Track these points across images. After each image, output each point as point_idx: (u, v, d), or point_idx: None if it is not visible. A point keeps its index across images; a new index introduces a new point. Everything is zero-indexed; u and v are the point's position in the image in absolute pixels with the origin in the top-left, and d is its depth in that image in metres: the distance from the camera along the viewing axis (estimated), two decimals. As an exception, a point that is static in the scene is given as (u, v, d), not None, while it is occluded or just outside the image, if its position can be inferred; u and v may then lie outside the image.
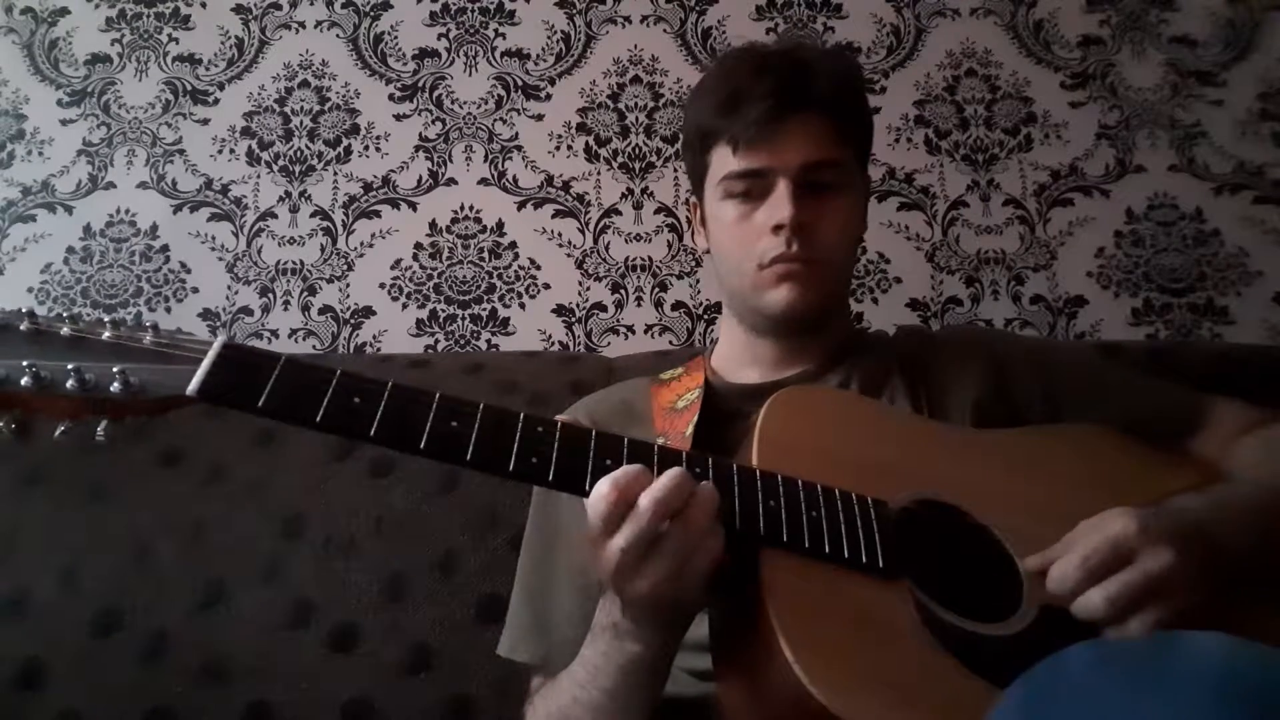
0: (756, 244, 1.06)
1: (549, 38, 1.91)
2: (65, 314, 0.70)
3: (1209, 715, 0.52)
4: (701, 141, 1.12)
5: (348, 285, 1.77)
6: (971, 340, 1.18)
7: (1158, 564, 0.77)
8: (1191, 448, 1.06)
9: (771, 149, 1.05)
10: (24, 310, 0.69)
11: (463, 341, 1.74)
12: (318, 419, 0.69)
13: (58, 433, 0.67)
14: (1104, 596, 0.76)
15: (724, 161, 1.08)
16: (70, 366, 0.66)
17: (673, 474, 0.73)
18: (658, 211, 1.81)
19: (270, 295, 1.77)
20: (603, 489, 0.72)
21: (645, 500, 0.72)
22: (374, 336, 1.74)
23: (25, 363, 0.65)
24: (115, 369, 0.67)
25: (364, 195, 1.82)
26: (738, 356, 1.16)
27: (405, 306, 1.76)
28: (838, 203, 1.08)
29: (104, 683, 1.25)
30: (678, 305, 1.76)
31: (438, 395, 0.73)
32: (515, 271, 1.78)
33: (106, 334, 0.69)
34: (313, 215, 1.81)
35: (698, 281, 1.77)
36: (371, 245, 1.79)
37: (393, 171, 1.83)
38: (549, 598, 1.06)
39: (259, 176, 1.84)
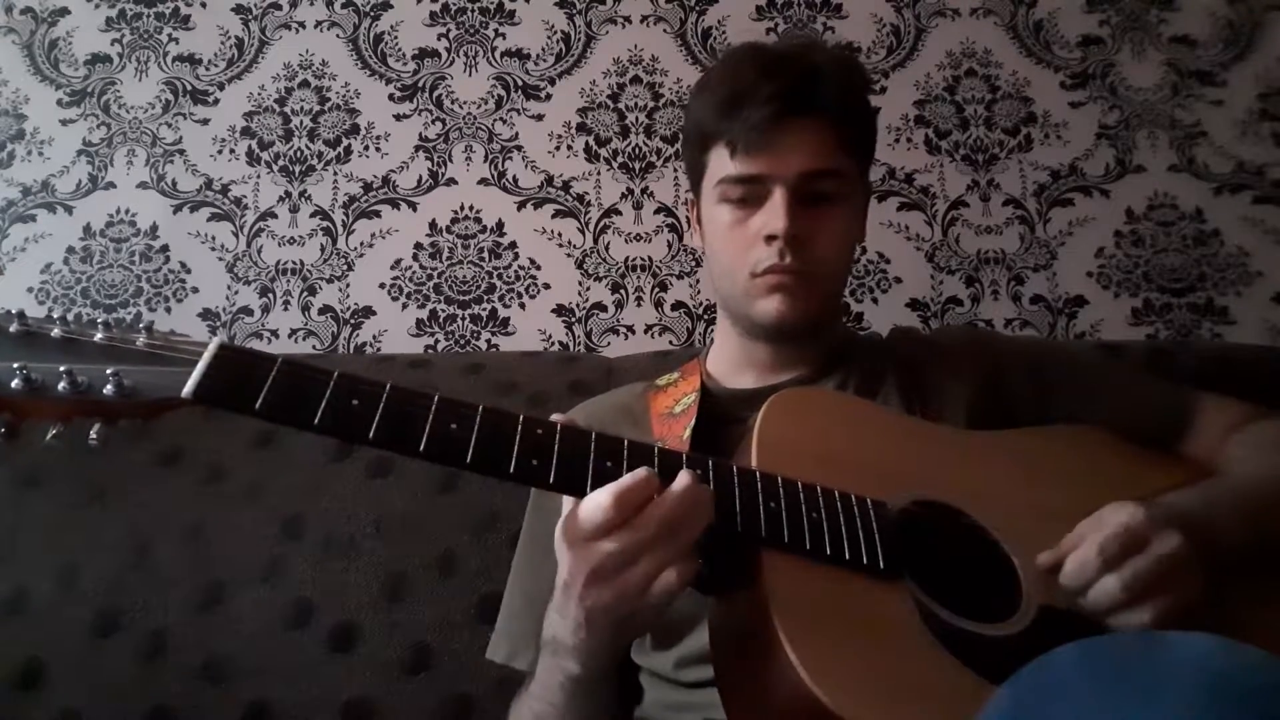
0: (750, 251, 1.05)
1: (549, 38, 1.91)
2: (58, 315, 0.69)
3: (1193, 716, 0.52)
4: (701, 140, 1.10)
5: (348, 285, 1.77)
6: (965, 341, 1.18)
7: (1169, 547, 0.78)
8: (1183, 446, 1.07)
9: (770, 155, 1.03)
10: (14, 311, 0.68)
11: (463, 341, 1.74)
12: (315, 422, 0.69)
13: (49, 436, 0.66)
14: (1119, 583, 0.77)
15: (721, 164, 1.06)
16: (62, 369, 0.65)
17: (684, 491, 0.72)
18: (658, 211, 1.81)
19: (270, 295, 1.77)
20: (602, 499, 0.71)
21: (655, 512, 0.71)
22: (374, 336, 1.74)
23: (15, 365, 0.65)
24: (109, 371, 0.66)
25: (364, 195, 1.82)
26: (733, 360, 1.16)
27: (405, 306, 1.76)
28: (835, 214, 1.07)
29: (104, 683, 1.25)
30: (678, 305, 1.76)
31: (436, 397, 0.72)
32: (515, 271, 1.78)
33: (99, 335, 0.69)
34: (313, 215, 1.81)
35: (697, 281, 1.77)
36: (371, 245, 1.79)
37: (393, 171, 1.83)
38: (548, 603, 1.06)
39: (259, 176, 1.84)
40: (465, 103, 1.87)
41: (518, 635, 1.05)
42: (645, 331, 1.74)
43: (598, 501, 0.71)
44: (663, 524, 0.71)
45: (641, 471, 0.73)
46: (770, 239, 1.03)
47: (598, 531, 0.71)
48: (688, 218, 1.71)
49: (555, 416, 0.77)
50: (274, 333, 1.75)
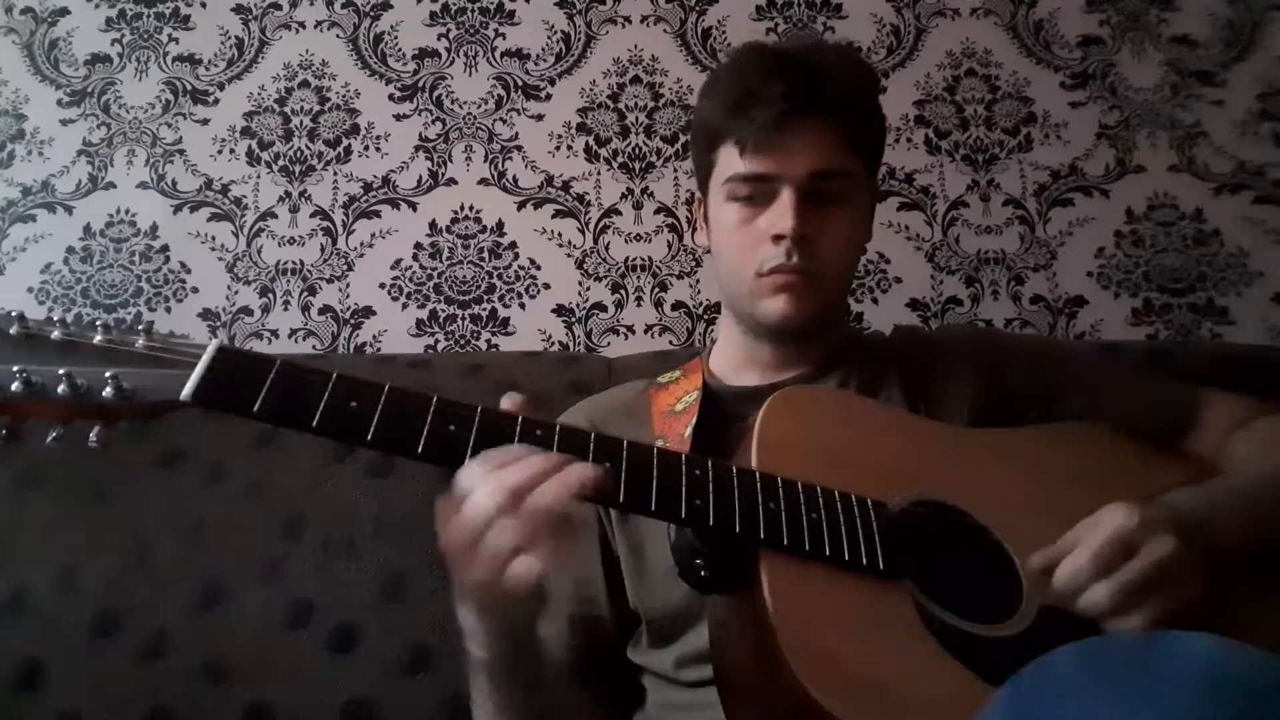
0: (756, 250, 1.05)
1: (549, 38, 1.91)
2: (58, 317, 0.69)
3: (1193, 716, 0.52)
4: (709, 139, 1.10)
5: (348, 285, 1.77)
6: (967, 340, 1.18)
7: (1161, 553, 0.78)
8: (1187, 444, 1.06)
9: (779, 155, 1.03)
10: (13, 314, 0.68)
11: (463, 341, 1.74)
12: (314, 424, 0.69)
13: (49, 438, 0.66)
14: (1108, 589, 0.77)
15: (730, 162, 1.06)
16: (62, 371, 0.65)
17: (534, 455, 0.70)
18: (658, 211, 1.81)
19: (270, 295, 1.77)
20: (475, 466, 0.70)
21: (500, 475, 0.68)
22: (374, 337, 1.74)
23: (15, 368, 0.65)
24: (108, 374, 0.66)
25: (364, 195, 1.82)
26: (736, 358, 1.16)
27: (405, 306, 1.76)
28: (842, 214, 1.07)
29: (104, 683, 1.25)
30: (678, 305, 1.76)
31: (435, 399, 0.72)
32: (515, 271, 1.78)
33: (98, 338, 0.69)
34: (313, 215, 1.81)
35: (698, 281, 1.77)
36: (371, 245, 1.79)
37: (393, 171, 1.83)
38: None
39: (259, 176, 1.84)
40: (465, 103, 1.87)
41: None
42: (645, 331, 1.74)
43: (470, 468, 0.70)
44: (502, 488, 0.68)
45: (519, 446, 0.71)
46: (778, 238, 1.03)
47: (460, 498, 0.70)
48: (688, 217, 1.71)
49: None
50: (274, 333, 1.75)
